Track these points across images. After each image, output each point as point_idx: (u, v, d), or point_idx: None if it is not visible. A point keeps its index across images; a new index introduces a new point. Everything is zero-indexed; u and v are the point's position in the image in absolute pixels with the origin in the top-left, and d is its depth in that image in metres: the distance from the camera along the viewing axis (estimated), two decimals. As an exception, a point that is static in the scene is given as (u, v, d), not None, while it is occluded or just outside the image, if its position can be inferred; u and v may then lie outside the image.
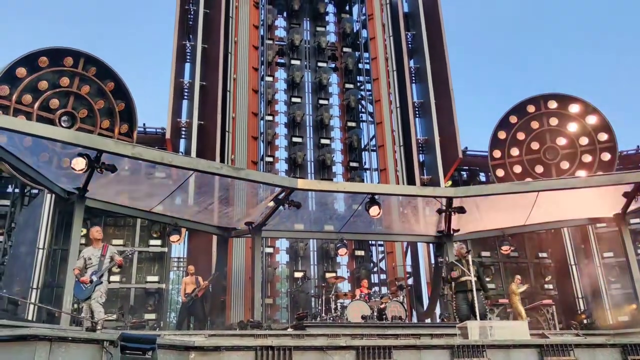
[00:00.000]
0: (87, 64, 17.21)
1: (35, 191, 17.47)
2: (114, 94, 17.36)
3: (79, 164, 10.52)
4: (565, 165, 19.52)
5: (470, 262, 10.63)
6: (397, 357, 7.83)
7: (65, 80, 16.84)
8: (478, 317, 10.15)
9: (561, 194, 13.64)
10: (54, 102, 16.50)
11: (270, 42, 21.15)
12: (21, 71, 16.25)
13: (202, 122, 18.18)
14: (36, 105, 16.31)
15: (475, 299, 10.41)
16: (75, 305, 14.15)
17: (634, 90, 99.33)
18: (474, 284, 10.47)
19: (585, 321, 16.53)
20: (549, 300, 16.56)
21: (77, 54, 17.13)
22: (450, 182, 20.10)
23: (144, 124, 18.69)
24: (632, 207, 14.39)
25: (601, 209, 14.88)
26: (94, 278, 9.21)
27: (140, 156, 10.90)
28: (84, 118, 16.83)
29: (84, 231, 16.09)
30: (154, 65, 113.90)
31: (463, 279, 10.75)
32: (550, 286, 19.45)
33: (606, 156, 19.43)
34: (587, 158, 19.48)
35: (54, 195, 15.09)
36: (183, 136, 19.08)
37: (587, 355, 8.44)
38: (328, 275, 17.70)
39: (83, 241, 15.89)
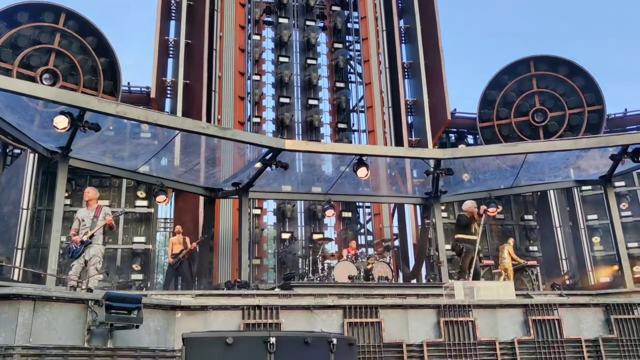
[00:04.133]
0: (68, 19, 16.73)
1: (18, 151, 17.17)
2: (97, 51, 16.94)
3: (62, 122, 10.26)
4: (553, 127, 19.51)
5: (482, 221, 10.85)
6: (384, 316, 7.90)
7: (45, 37, 16.40)
8: (470, 277, 10.32)
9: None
10: (35, 59, 16.08)
11: (258, -1, 20.66)
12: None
13: (187, 82, 17.83)
14: (16, 62, 15.88)
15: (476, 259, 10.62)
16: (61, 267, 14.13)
17: (623, 55, 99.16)
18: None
19: (568, 282, 16.81)
20: (534, 262, 16.78)
21: (58, 9, 16.65)
22: (438, 144, 20.05)
23: (129, 83, 18.34)
24: (617, 169, 14.47)
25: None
26: (84, 238, 9.19)
27: (125, 115, 10.68)
28: (66, 76, 16.43)
29: (68, 191, 15.96)
30: (139, 22, 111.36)
31: (474, 237, 10.87)
32: (535, 248, 19.72)
33: (594, 119, 19.46)
34: (575, 120, 19.50)
35: (37, 155, 14.86)
36: (168, 95, 18.75)
37: (571, 315, 8.57)
38: (315, 236, 17.75)
39: (68, 202, 15.79)
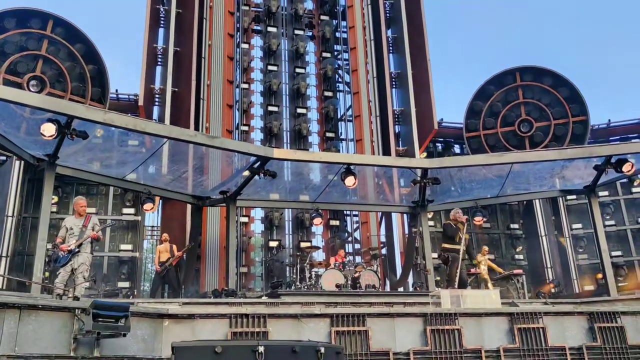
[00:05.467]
0: (55, 26, 16.68)
1: (3, 158, 17.02)
2: (85, 59, 16.90)
3: (49, 129, 10.22)
4: (539, 137, 19.75)
5: (464, 230, 10.83)
6: (371, 324, 7.93)
7: (33, 43, 16.33)
8: (456, 285, 10.40)
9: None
10: (22, 66, 16.01)
11: (247, 8, 20.68)
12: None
13: (176, 89, 17.82)
14: (3, 68, 15.79)
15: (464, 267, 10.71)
16: (47, 274, 14.02)
17: (608, 65, 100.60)
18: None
19: (553, 290, 16.97)
20: (520, 270, 16.92)
21: (45, 16, 16.60)
22: (425, 154, 20.20)
23: (117, 90, 18.25)
24: (601, 180, 14.66)
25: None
26: (72, 247, 9.14)
27: (112, 122, 10.66)
28: (53, 83, 16.36)
29: (55, 199, 15.85)
30: (127, 30, 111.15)
31: (459, 247, 10.88)
32: (521, 256, 19.88)
33: (579, 129, 19.73)
34: (561, 131, 19.75)
35: (22, 162, 14.75)
36: (157, 103, 18.71)
37: (556, 323, 8.67)
38: (303, 244, 17.75)
39: (54, 209, 15.68)
